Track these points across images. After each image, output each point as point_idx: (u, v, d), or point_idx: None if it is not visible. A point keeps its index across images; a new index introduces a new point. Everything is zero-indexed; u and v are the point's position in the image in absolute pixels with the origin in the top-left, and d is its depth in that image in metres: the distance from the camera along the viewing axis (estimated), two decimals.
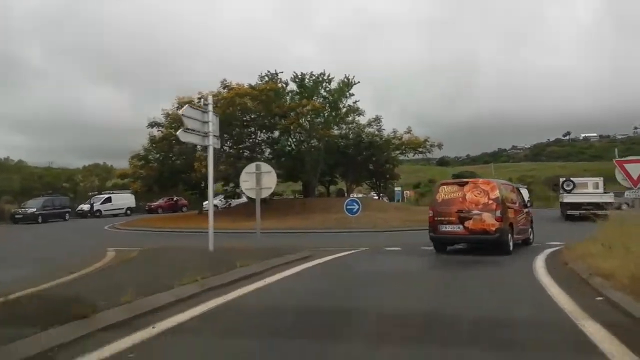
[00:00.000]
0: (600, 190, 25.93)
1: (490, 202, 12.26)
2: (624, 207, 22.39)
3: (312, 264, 10.85)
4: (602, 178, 26.71)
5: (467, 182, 13.28)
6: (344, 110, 31.92)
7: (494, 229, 12.05)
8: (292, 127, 27.65)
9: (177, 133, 11.40)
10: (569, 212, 25.52)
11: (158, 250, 13.03)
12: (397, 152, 34.60)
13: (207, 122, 11.12)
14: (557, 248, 12.73)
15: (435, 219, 12.78)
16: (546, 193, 48.44)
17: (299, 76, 31.35)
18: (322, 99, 31.27)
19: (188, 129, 10.76)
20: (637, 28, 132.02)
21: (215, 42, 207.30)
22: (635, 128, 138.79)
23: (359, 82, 31.63)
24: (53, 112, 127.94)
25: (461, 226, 12.35)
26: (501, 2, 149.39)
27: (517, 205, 13.72)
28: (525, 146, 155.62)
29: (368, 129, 34.00)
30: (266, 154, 29.87)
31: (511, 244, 12.50)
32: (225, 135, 26.34)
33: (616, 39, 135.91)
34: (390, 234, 21.20)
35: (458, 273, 10.02)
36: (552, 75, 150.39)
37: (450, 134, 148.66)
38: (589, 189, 26.25)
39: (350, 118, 33.19)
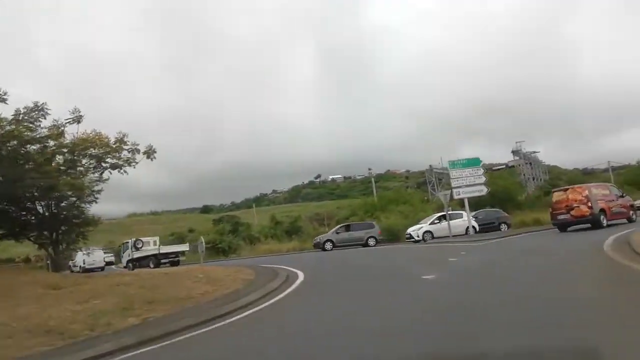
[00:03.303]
0: (157, 246, 33.50)
1: (583, 198, 19.65)
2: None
3: None
4: (158, 237, 35.33)
5: (568, 188, 21.35)
6: None
7: (587, 214, 19.36)
8: None
9: None
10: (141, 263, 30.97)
11: None
12: (62, 158, 15.99)
13: None
14: None
15: (554, 212, 20.33)
16: (316, 230, 38.09)
17: None
18: None
19: None
20: (354, 82, 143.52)
21: None
22: (370, 169, 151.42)
23: None
24: None
25: (568, 215, 19.69)
26: (241, 51, 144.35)
27: (609, 197, 20.83)
28: (284, 189, 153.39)
29: (13, 128, 15.48)
30: None
31: (605, 222, 19.52)
32: None
33: (342, 91, 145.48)
34: None
35: None
36: (294, 123, 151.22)
37: (211, 183, 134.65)
38: (151, 246, 33.16)
39: None
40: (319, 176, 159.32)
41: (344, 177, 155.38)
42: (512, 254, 13.67)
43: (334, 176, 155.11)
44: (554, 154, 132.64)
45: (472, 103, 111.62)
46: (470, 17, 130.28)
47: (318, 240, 29.25)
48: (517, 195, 37.77)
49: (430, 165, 79.93)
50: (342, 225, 31.37)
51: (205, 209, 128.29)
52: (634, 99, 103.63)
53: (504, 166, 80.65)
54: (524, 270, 10.19)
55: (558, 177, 74.46)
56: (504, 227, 27.01)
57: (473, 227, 24.14)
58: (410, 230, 26.15)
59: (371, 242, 27.63)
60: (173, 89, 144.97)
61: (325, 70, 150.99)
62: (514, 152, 78.60)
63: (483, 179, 21.98)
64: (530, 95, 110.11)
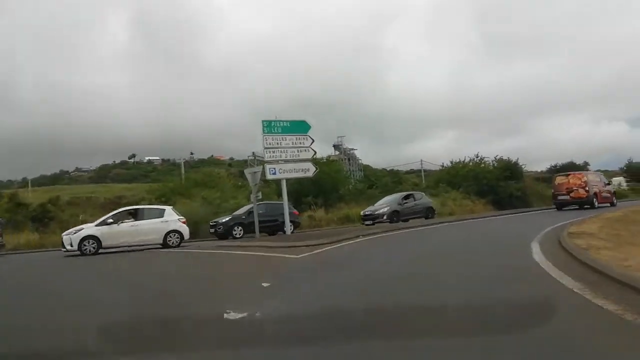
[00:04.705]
0: None
1: (582, 182, 22.98)
2: None
3: None
4: None
5: (569, 174, 24.53)
6: None
7: (584, 196, 22.70)
8: None
9: None
10: None
11: None
12: None
13: None
14: None
15: (555, 192, 23.88)
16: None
17: None
18: None
19: None
20: (178, 60, 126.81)
21: None
22: (192, 154, 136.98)
23: None
24: None
25: (568, 196, 23.06)
26: (42, 10, 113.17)
27: (600, 185, 24.63)
28: (91, 168, 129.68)
29: None
30: None
31: (596, 204, 22.71)
32: None
33: (163, 68, 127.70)
34: None
35: None
36: (106, 96, 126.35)
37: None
38: None
39: None
40: (133, 156, 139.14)
41: (162, 160, 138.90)
42: None
43: (151, 157, 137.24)
44: (367, 154, 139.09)
45: (298, 98, 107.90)
46: (302, 15, 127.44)
47: None
48: (342, 186, 32.28)
49: (253, 152, 72.81)
50: None
51: None
52: (433, 112, 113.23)
53: (324, 160, 78.32)
54: None
55: (370, 176, 75.02)
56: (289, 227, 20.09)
57: (177, 232, 15.72)
58: (65, 234, 15.62)
59: None
60: None
61: (144, 43, 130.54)
62: (335, 147, 76.29)
63: (311, 153, 14.44)
64: (350, 97, 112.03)
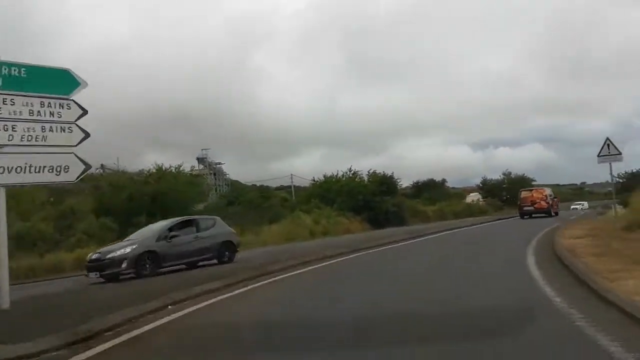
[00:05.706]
0: None
1: (544, 196, 28.41)
2: None
3: None
4: None
5: (532, 189, 31.01)
6: None
7: (545, 207, 27.76)
8: None
9: None
10: None
11: None
12: None
13: None
14: None
15: (521, 204, 28.68)
16: None
17: None
18: None
19: None
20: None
21: None
22: None
23: None
24: None
25: (532, 207, 27.94)
26: None
27: (553, 198, 29.92)
28: None
29: None
30: None
31: (553, 213, 28.10)
32: None
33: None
34: None
35: None
36: None
37: None
38: None
39: None
40: None
41: None
42: None
43: None
44: (236, 169, 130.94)
45: (159, 112, 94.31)
46: (166, 27, 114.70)
47: None
48: (197, 202, 24.97)
49: (102, 164, 60.38)
50: None
51: None
52: (302, 130, 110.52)
53: (171, 169, 68.73)
54: None
55: (238, 191, 68.02)
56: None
57: None
58: None
59: None
60: None
61: None
62: (199, 160, 67.43)
63: (79, 136, 6.68)
64: (217, 113, 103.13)
